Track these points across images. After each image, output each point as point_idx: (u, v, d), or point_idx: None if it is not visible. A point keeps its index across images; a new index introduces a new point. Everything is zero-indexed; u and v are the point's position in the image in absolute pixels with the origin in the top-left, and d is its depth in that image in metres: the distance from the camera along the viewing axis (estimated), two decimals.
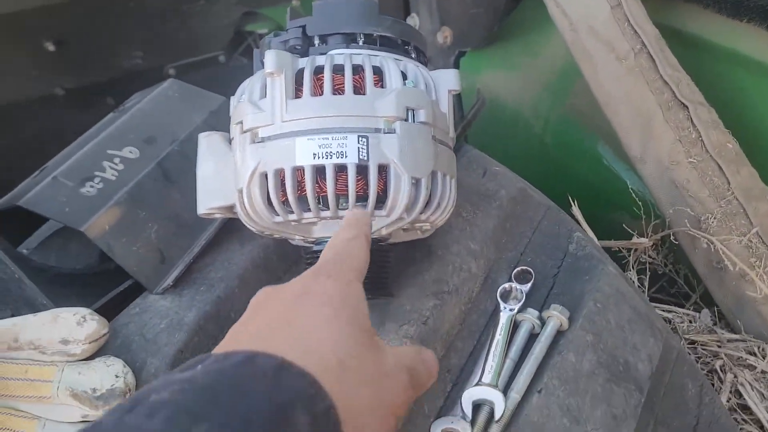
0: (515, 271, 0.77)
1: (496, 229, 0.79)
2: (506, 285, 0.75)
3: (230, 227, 0.72)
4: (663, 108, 0.94)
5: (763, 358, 0.90)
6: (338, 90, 0.59)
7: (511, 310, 0.72)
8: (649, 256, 1.04)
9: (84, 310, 0.61)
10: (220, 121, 0.78)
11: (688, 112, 0.93)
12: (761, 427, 0.85)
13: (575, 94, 1.21)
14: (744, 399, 0.86)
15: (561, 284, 0.76)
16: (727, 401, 0.87)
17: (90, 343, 0.60)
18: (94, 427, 0.29)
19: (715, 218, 0.90)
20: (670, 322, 1.00)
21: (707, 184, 0.91)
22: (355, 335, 0.38)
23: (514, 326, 0.71)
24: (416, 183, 0.59)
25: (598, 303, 0.72)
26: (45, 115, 1.47)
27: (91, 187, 0.68)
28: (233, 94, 0.66)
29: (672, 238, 0.97)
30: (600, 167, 1.15)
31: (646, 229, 1.02)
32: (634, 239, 1.00)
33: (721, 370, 0.90)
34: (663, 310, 1.01)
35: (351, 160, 0.56)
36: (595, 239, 0.98)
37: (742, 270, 0.88)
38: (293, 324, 0.37)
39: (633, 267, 1.05)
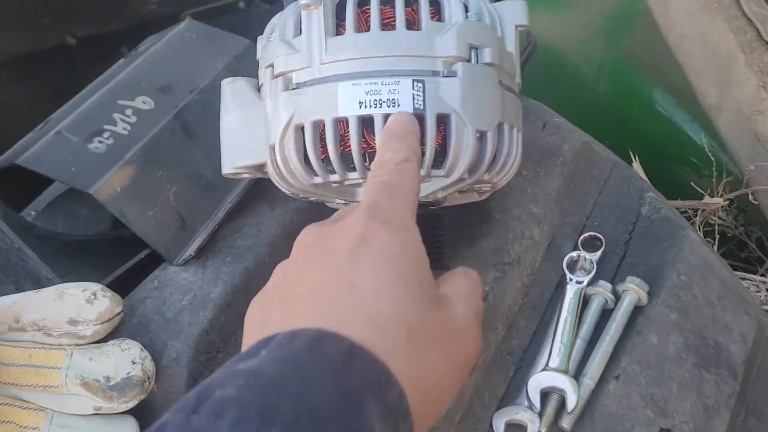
0: (582, 237, 0.68)
1: (560, 190, 0.69)
2: (573, 254, 0.65)
3: (259, 187, 0.63)
4: (745, 50, 0.83)
5: None
6: (388, 25, 0.49)
7: (579, 282, 0.63)
8: (719, 218, 0.94)
9: (94, 286, 0.53)
10: (244, 68, 0.69)
11: None
12: None
13: (633, 35, 1.09)
14: None
15: (634, 253, 0.67)
16: None
17: (102, 323, 0.52)
18: (159, 429, 0.27)
19: None
20: None
21: None
22: (422, 294, 0.36)
23: (584, 301, 0.62)
24: (481, 137, 0.49)
25: (683, 275, 0.63)
26: (57, 66, 1.39)
27: (100, 142, 0.59)
28: (261, 34, 0.56)
29: (750, 197, 0.86)
30: (661, 118, 1.04)
31: (717, 186, 0.92)
32: (706, 199, 0.90)
33: None
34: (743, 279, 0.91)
35: (405, 110, 0.47)
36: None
37: None
38: (354, 287, 0.34)
39: (699, 228, 0.95)
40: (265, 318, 0.37)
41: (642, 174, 0.94)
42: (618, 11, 1.12)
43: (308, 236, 0.41)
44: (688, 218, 0.96)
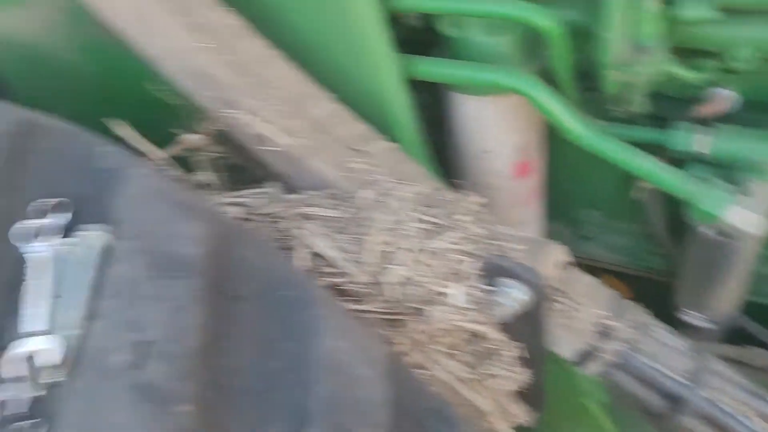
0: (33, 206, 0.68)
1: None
2: (27, 222, 0.66)
3: None
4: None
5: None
6: None
7: (38, 248, 0.65)
8: (210, 150, 1.04)
9: None
10: None
11: None
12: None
13: None
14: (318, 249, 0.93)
15: (88, 203, 0.70)
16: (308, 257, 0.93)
17: None
18: None
19: None
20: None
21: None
22: None
23: (50, 262, 0.64)
24: None
25: (132, 207, 0.68)
26: None
27: None
28: None
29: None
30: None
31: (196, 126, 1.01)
32: (185, 138, 0.98)
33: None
34: (238, 197, 1.02)
35: None
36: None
37: None
38: None
39: (202, 167, 1.04)
40: None
41: (132, 136, 0.97)
42: None
43: None
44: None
